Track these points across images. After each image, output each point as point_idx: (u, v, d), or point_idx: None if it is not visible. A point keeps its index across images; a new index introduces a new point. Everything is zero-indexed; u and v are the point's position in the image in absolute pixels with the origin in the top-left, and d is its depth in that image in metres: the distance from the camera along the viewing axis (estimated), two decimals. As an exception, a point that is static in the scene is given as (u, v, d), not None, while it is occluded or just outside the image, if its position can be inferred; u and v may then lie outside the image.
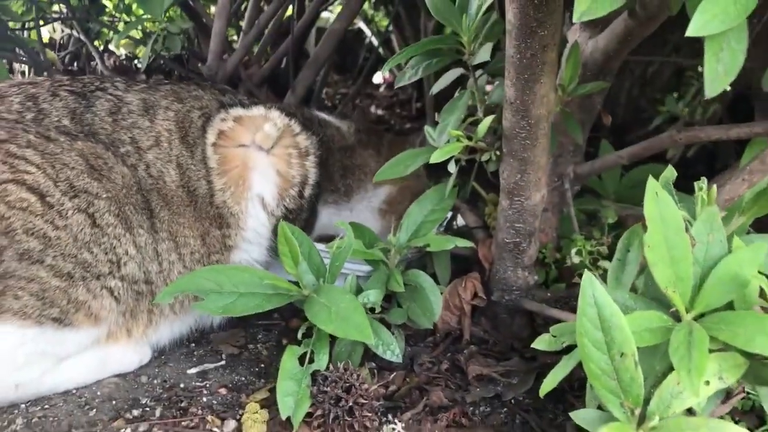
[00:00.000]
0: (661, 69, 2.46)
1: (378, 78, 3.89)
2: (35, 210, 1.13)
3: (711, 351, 0.82)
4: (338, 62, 3.92)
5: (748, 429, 1.10)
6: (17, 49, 2.18)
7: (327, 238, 1.52)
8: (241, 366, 1.37)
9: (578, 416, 0.86)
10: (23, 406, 1.19)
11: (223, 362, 1.37)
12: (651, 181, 0.84)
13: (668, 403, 0.81)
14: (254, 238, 1.41)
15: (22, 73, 2.60)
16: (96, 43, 2.68)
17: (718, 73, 0.69)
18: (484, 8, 1.08)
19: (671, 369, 0.81)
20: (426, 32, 2.99)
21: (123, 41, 2.71)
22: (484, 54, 1.12)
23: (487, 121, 1.09)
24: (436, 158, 1.12)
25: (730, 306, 0.84)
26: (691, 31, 0.65)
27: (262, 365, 1.38)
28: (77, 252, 1.16)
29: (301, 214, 1.48)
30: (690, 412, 0.84)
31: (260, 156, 1.40)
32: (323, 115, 1.75)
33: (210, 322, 1.44)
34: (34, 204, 1.13)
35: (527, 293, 1.28)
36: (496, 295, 1.31)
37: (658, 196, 0.84)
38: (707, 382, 0.81)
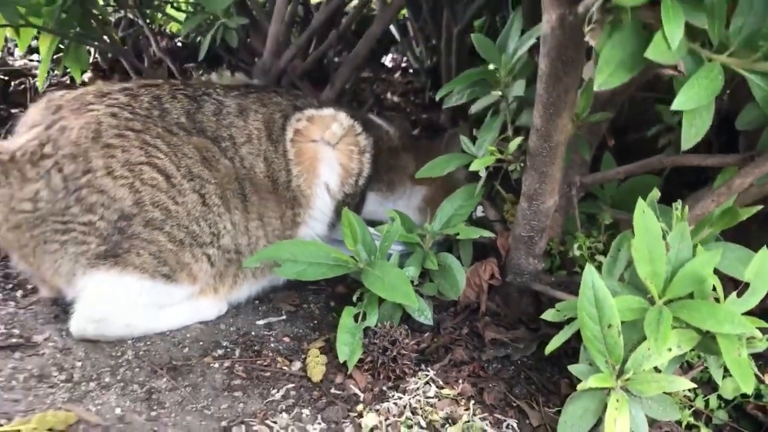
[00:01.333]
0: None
1: (389, 60, 4.12)
2: (161, 187, 1.43)
3: (674, 327, 1.12)
4: (352, 43, 4.14)
5: (704, 395, 1.42)
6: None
7: (370, 222, 1.84)
8: (299, 321, 1.67)
9: (575, 369, 1.18)
10: (130, 341, 1.50)
11: (284, 317, 1.68)
12: (640, 202, 1.15)
13: (640, 363, 1.12)
14: (319, 216, 1.71)
15: (87, 52, 2.85)
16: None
17: (692, 134, 0.99)
18: (519, 54, 1.38)
19: (644, 339, 1.12)
20: (449, 30, 3.27)
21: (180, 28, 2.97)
22: (518, 89, 1.41)
23: (517, 141, 1.39)
24: (475, 167, 1.42)
25: (691, 296, 1.15)
26: (675, 106, 0.95)
27: (315, 321, 1.68)
28: (189, 224, 1.46)
29: (354, 199, 1.78)
30: (656, 371, 1.15)
31: (327, 150, 1.69)
32: (375, 118, 2.04)
33: (276, 286, 1.75)
34: (161, 183, 1.43)
35: (535, 277, 1.59)
36: (509, 277, 1.62)
37: (644, 213, 1.14)
38: (669, 349, 1.12)
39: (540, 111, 1.32)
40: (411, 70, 4.83)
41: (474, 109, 1.53)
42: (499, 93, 1.44)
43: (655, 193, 1.26)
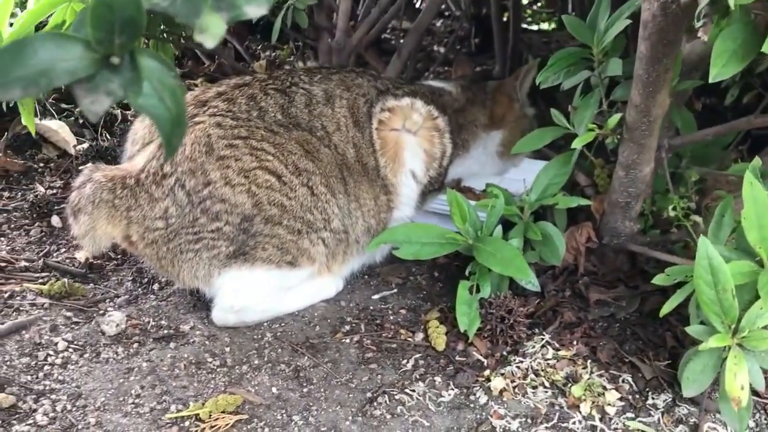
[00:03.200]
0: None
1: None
2: (275, 187, 1.55)
3: (783, 286, 1.23)
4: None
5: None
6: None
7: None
8: (409, 293, 1.82)
9: (692, 330, 1.29)
10: (266, 324, 1.66)
11: (395, 290, 1.82)
12: (748, 174, 1.24)
13: (754, 321, 1.24)
14: (407, 201, 1.84)
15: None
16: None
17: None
18: (612, 34, 1.45)
19: (756, 298, 1.23)
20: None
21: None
22: (614, 68, 1.49)
23: (616, 117, 1.48)
24: (576, 145, 1.52)
25: (798, 257, 1.25)
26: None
27: (424, 292, 1.82)
28: (303, 214, 1.59)
29: (439, 178, 1.89)
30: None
31: (409, 137, 1.80)
32: (438, 84, 2.13)
33: (374, 260, 1.89)
34: (274, 183, 1.55)
35: (631, 238, 1.69)
36: (606, 240, 1.72)
37: (752, 184, 1.23)
38: (781, 307, 1.23)
39: (639, 89, 1.40)
40: (448, 14, 4.82)
41: (567, 86, 1.61)
42: (594, 72, 1.52)
43: (757, 162, 1.34)
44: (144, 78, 0.61)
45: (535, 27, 4.97)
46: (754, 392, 1.34)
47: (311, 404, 1.41)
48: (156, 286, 1.79)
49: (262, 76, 1.76)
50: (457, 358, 1.55)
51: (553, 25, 4.71)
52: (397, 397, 1.44)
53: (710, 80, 1.10)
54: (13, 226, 2.00)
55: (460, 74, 2.34)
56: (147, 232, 1.54)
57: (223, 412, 1.37)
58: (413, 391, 1.45)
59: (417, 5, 4.21)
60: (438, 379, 1.49)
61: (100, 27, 0.57)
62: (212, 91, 1.68)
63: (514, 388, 1.45)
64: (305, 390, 1.45)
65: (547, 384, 1.46)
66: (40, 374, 1.45)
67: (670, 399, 1.43)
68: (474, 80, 2.23)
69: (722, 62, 1.10)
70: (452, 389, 1.46)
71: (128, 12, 0.57)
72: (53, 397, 1.39)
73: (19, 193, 2.17)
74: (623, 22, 1.45)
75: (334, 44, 2.42)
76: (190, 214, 1.52)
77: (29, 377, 1.44)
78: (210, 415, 1.36)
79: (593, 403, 1.41)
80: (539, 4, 5.12)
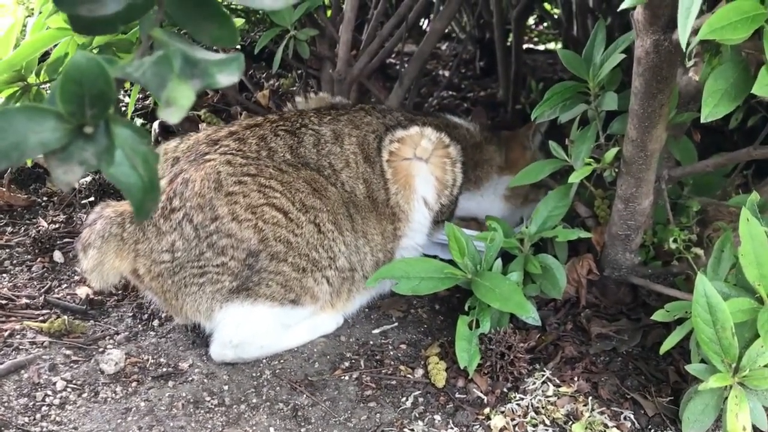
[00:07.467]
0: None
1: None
2: (281, 224, 1.55)
3: (784, 324, 1.21)
4: (388, 12, 4.09)
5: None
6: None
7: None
8: (410, 326, 1.80)
9: (692, 368, 1.28)
10: (265, 360, 1.65)
11: (396, 324, 1.81)
12: (744, 210, 1.22)
13: (755, 360, 1.22)
14: (418, 228, 1.83)
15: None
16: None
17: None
18: (608, 68, 1.45)
19: (756, 336, 1.22)
20: (500, 7, 3.33)
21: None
22: (611, 102, 1.48)
23: (613, 151, 1.48)
24: (573, 180, 1.51)
25: (798, 294, 1.23)
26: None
27: (425, 326, 1.81)
28: (309, 252, 1.59)
29: (451, 207, 1.89)
30: (768, 365, 1.24)
31: (421, 165, 1.80)
32: (454, 119, 2.13)
33: (385, 291, 1.87)
34: (281, 219, 1.55)
35: (632, 270, 1.68)
36: (607, 272, 1.71)
37: (748, 221, 1.22)
38: (782, 346, 1.21)
39: (635, 124, 1.39)
40: (454, 35, 4.84)
41: (563, 119, 1.60)
42: (591, 106, 1.52)
43: (755, 197, 1.33)
44: (117, 146, 0.61)
45: (541, 47, 4.99)
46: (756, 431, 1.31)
47: (309, 445, 1.40)
48: (156, 322, 1.79)
49: (273, 117, 1.78)
50: (457, 395, 1.54)
51: (559, 45, 4.73)
52: (395, 436, 1.43)
53: (702, 120, 1.09)
54: (15, 261, 2.01)
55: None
56: (153, 264, 1.56)
57: (219, 454, 1.36)
58: (412, 430, 1.43)
59: (423, 26, 4.22)
60: (437, 417, 1.48)
61: (71, 101, 0.58)
62: (224, 130, 1.71)
63: (514, 426, 1.43)
64: (303, 430, 1.44)
65: (547, 422, 1.44)
66: (38, 416, 1.45)
67: (673, 437, 1.41)
68: (487, 127, 2.25)
69: (714, 102, 1.09)
70: (452, 428, 1.44)
71: (98, 86, 0.57)
72: (50, 439, 1.39)
73: (22, 228, 2.19)
74: (618, 56, 1.45)
75: (335, 75, 2.43)
76: (196, 248, 1.53)
77: (27, 419, 1.44)
78: (206, 458, 1.35)
79: (594, 441, 1.39)
80: (545, 25, 5.14)
